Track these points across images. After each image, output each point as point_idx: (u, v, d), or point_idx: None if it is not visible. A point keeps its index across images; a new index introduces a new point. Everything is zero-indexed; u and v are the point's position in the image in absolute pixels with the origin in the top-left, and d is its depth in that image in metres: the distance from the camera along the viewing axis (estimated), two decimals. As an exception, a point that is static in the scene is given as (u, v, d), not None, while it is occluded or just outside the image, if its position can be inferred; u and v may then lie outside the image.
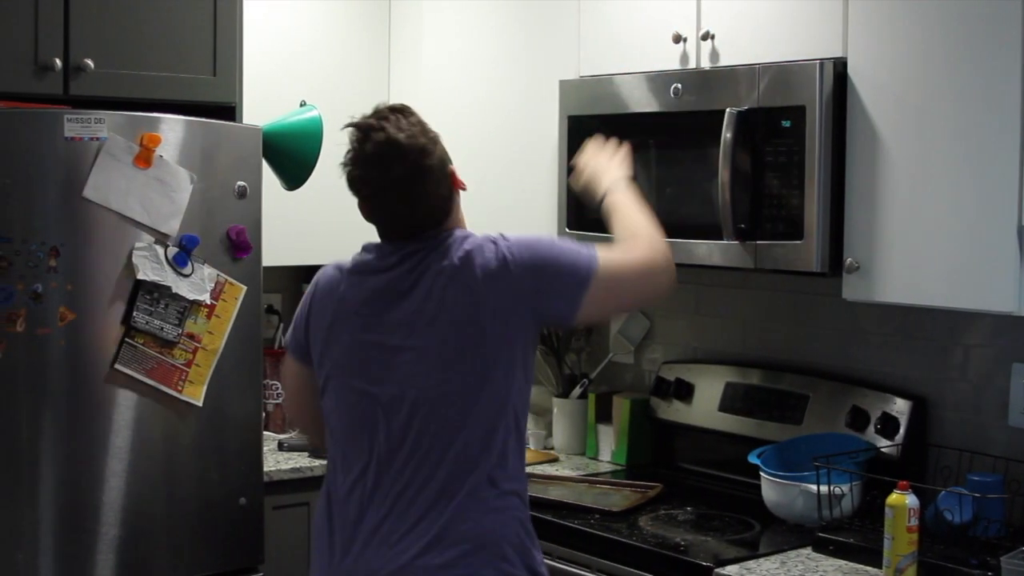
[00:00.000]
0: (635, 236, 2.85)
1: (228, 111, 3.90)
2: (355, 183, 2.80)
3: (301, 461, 4.13)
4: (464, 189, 2.90)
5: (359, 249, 2.89)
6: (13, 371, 3.49)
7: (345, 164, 2.81)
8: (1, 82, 3.58)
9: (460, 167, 4.45)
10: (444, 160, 2.82)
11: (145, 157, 3.62)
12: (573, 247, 2.75)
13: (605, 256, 2.73)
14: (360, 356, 2.78)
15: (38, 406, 3.52)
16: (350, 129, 2.80)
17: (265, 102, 4.08)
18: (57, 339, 3.54)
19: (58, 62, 3.63)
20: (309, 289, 2.95)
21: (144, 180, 3.62)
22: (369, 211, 2.82)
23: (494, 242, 2.75)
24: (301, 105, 4.10)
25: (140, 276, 3.62)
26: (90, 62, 3.66)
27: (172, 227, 3.68)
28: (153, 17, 3.80)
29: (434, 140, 2.80)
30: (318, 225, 4.40)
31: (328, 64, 4.54)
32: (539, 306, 2.71)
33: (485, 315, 2.69)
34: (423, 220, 2.80)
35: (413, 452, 2.70)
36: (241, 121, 3.89)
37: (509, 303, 2.70)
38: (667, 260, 2.83)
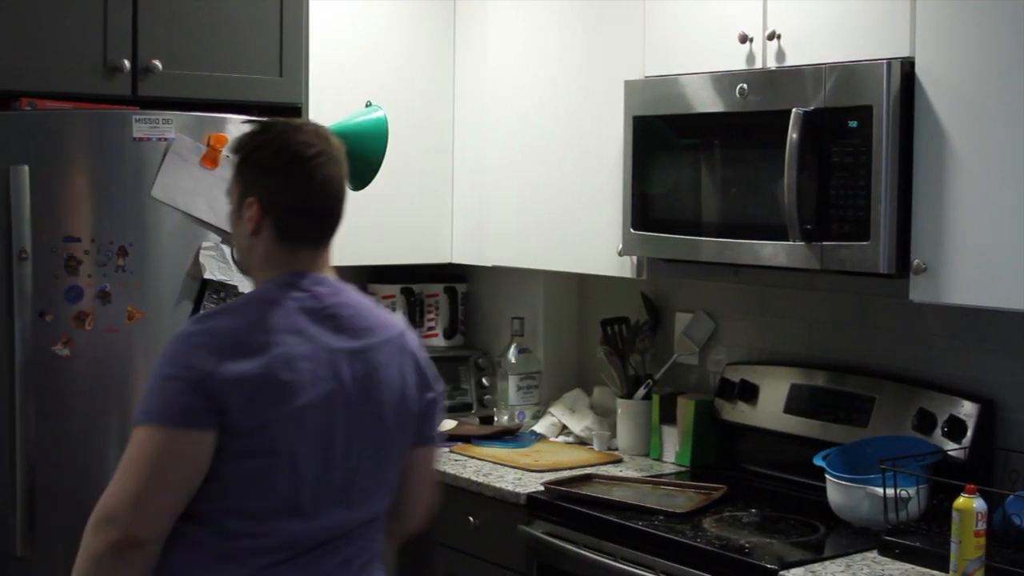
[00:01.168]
0: None
1: (294, 111, 3.92)
2: (293, 147, 2.53)
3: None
4: None
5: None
6: (82, 369, 3.53)
7: (270, 135, 2.57)
8: (71, 83, 3.62)
9: (524, 167, 4.46)
10: None
11: (212, 157, 3.65)
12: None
13: None
14: None
15: (106, 404, 3.56)
16: (255, 126, 2.64)
17: (330, 102, 4.10)
18: (125, 337, 3.57)
19: (126, 63, 3.67)
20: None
21: (211, 180, 3.65)
22: (299, 193, 2.54)
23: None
24: (367, 105, 4.11)
25: (207, 275, 3.65)
26: (158, 63, 3.70)
27: (238, 227, 3.70)
28: (220, 19, 3.84)
29: None
30: (383, 225, 4.41)
31: (393, 64, 4.55)
32: None
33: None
34: (339, 221, 2.64)
35: None
36: (307, 121, 3.92)
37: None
38: None
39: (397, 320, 2.69)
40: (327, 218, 2.61)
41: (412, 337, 2.68)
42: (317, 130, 2.61)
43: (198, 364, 2.38)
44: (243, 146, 2.59)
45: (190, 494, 2.41)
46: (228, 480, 2.42)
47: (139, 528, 2.37)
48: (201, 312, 3.27)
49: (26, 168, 3.46)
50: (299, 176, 2.53)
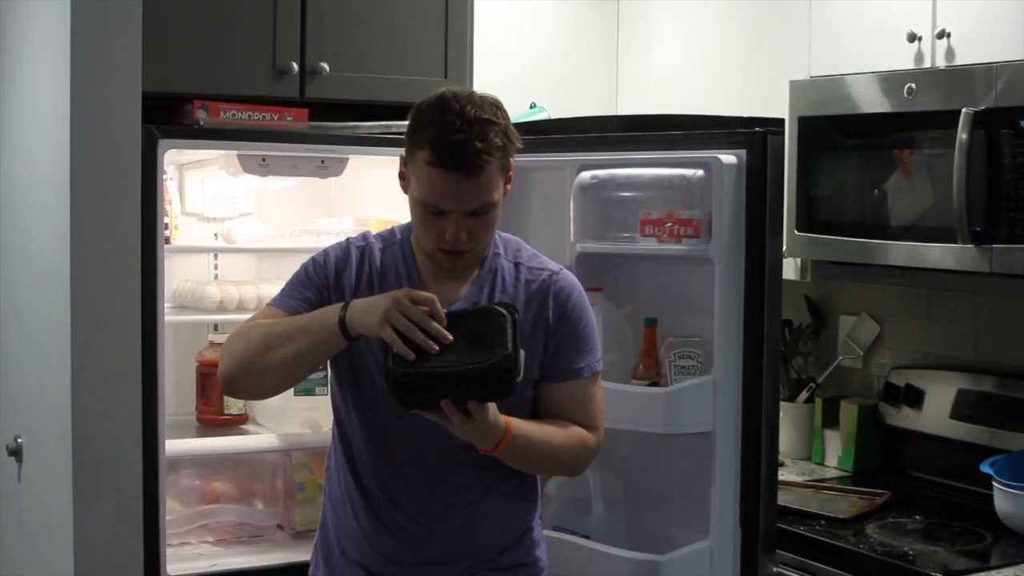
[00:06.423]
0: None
1: (458, 113, 3.95)
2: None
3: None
4: None
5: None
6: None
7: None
8: (241, 85, 3.69)
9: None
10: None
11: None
12: None
13: None
14: None
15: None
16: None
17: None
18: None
19: (295, 66, 3.72)
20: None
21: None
22: None
23: None
24: (531, 107, 4.13)
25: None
26: (325, 65, 3.75)
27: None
28: (386, 21, 3.88)
29: None
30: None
31: (557, 65, 4.57)
32: None
33: None
34: None
35: None
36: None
37: None
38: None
39: None
40: None
41: None
42: None
43: None
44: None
45: None
46: None
47: None
48: None
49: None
50: None
